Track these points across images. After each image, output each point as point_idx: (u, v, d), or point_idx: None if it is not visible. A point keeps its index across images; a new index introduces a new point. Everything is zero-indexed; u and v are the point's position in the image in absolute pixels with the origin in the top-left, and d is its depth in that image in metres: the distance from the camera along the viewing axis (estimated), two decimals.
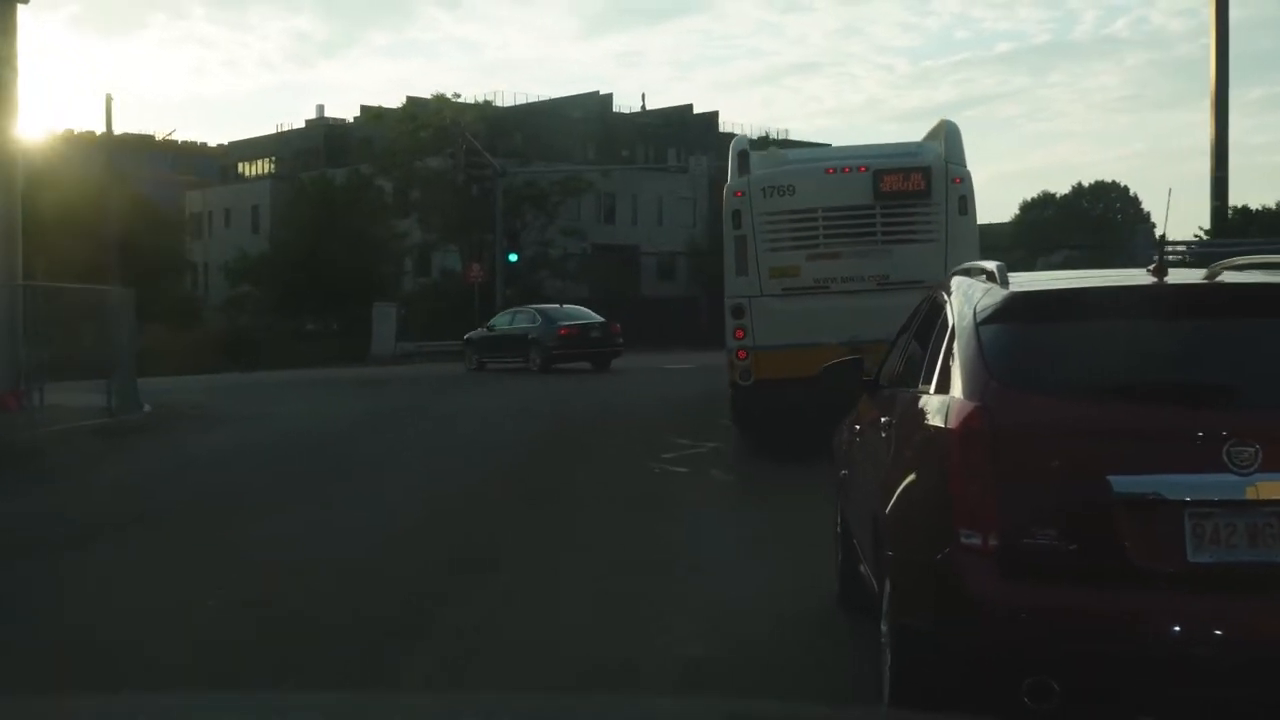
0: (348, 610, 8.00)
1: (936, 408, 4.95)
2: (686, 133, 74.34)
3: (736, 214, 14.94)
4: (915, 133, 23.62)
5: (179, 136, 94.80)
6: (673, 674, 6.41)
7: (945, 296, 5.57)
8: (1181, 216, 73.60)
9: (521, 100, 72.79)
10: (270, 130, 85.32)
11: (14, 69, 20.69)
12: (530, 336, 33.64)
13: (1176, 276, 5.35)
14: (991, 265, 5.35)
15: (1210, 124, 24.31)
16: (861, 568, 6.43)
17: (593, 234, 62.46)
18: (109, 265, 30.12)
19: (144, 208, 56.16)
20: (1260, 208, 53.84)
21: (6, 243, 19.98)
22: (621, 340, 34.08)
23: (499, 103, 66.34)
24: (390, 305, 48.90)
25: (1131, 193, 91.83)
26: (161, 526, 11.71)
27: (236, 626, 7.64)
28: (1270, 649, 4.38)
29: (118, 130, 41.16)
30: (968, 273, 5.67)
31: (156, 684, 6.38)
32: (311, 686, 6.26)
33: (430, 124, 55.70)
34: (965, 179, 14.74)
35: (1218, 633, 4.41)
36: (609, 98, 77.41)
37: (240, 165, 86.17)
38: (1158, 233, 7.21)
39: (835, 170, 15.08)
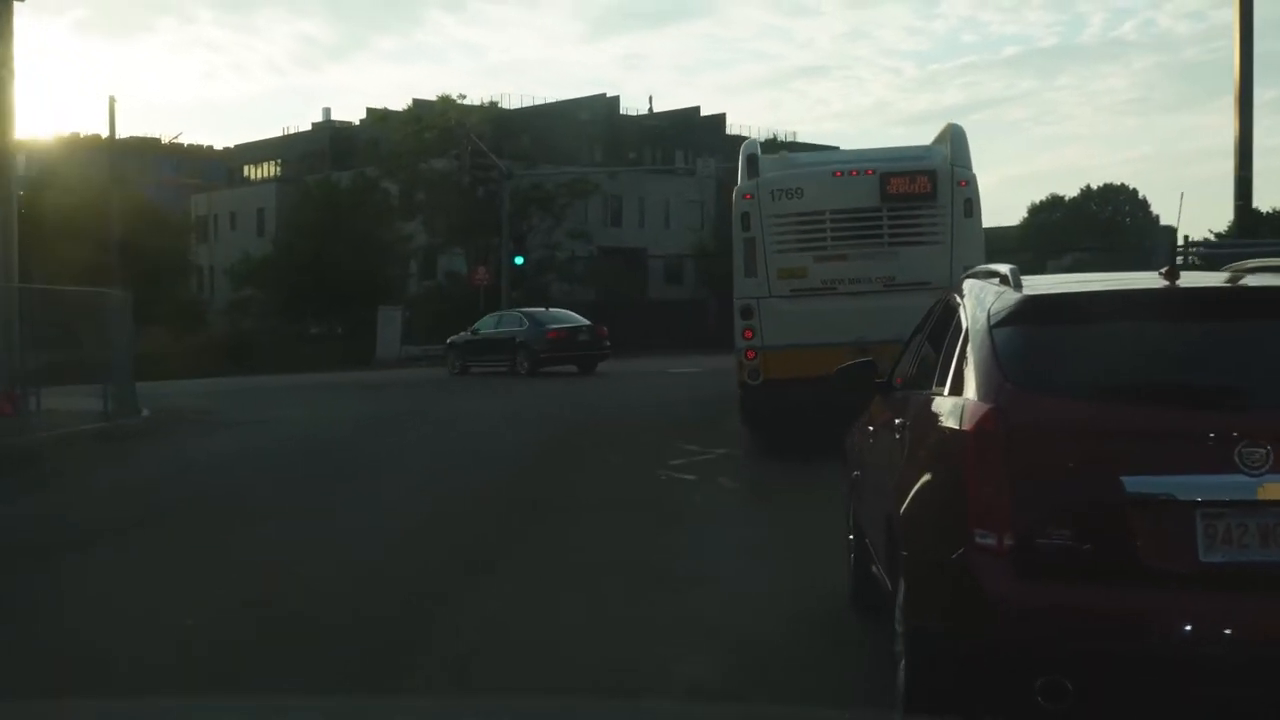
0: (348, 611, 7.97)
1: (951, 409, 5.00)
2: (694, 135, 74.09)
3: (745, 216, 15.14)
4: (923, 136, 23.68)
5: (185, 140, 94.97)
6: (675, 676, 6.36)
7: (958, 299, 5.66)
8: (1191, 217, 73.73)
9: (528, 103, 72.67)
10: (276, 134, 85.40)
11: (10, 70, 20.58)
12: (518, 340, 33.59)
13: (1188, 279, 5.41)
14: (1005, 268, 5.44)
15: (1235, 123, 24.13)
16: (874, 568, 6.51)
17: (599, 237, 62.20)
18: (111, 268, 30.07)
19: (148, 211, 56.26)
20: (1270, 210, 53.83)
21: (2, 246, 19.85)
22: (609, 343, 34.10)
23: (505, 105, 66.01)
24: (395, 309, 48.91)
25: (1140, 195, 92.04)
26: (161, 529, 11.68)
27: (236, 627, 7.60)
28: None
29: (124, 134, 41.24)
30: (981, 276, 5.75)
31: (157, 684, 6.35)
32: (311, 687, 6.23)
33: (436, 126, 55.46)
34: (970, 182, 15.04)
35: (1229, 632, 4.44)
36: (616, 100, 77.04)
37: (246, 168, 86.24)
38: (1179, 236, 7.24)
39: (843, 173, 15.36)
